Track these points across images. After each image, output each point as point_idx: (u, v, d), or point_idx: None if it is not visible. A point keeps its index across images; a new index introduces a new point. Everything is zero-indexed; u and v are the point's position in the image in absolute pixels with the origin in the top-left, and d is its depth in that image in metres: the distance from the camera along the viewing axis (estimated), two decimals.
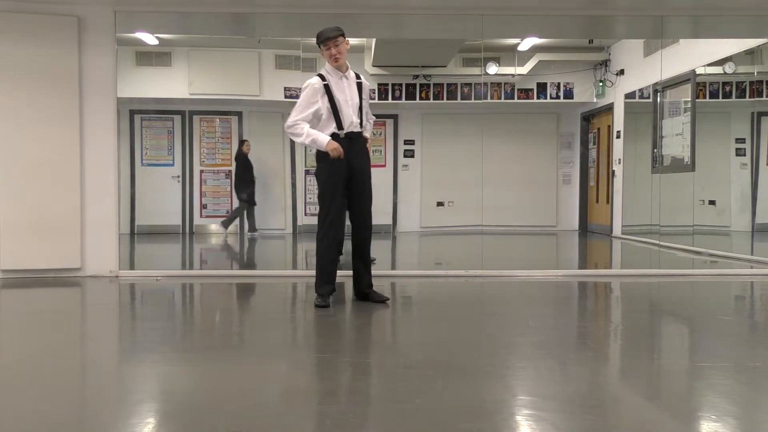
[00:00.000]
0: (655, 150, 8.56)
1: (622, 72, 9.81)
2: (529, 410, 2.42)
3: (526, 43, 9.48)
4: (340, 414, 2.39)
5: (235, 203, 10.95)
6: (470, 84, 10.58)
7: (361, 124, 4.42)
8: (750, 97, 7.67)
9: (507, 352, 3.32)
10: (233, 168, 10.68)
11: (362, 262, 4.53)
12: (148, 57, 10.00)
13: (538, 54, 10.13)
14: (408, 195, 11.20)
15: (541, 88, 10.70)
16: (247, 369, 3.02)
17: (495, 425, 2.25)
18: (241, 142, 10.63)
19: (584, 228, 11.17)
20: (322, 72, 4.39)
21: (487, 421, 2.27)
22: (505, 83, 10.65)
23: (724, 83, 7.97)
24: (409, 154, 11.23)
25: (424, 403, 2.46)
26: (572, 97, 10.71)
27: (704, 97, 7.99)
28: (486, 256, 6.74)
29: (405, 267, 7.40)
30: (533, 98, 10.73)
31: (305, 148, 10.58)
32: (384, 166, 11.09)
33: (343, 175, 4.32)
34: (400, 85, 10.54)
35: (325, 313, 4.24)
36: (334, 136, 4.29)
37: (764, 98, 7.51)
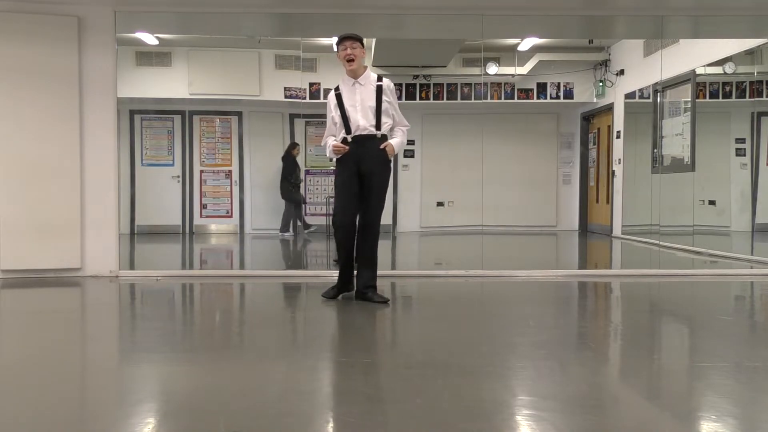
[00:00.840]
0: (655, 150, 8.56)
1: (622, 72, 9.81)
2: (529, 410, 2.42)
3: (526, 43, 9.48)
4: (340, 414, 2.39)
5: (236, 203, 10.96)
6: (470, 84, 10.58)
7: (378, 126, 4.44)
8: (750, 97, 7.67)
9: (507, 352, 3.32)
10: (280, 169, 10.48)
11: (361, 262, 4.54)
12: (148, 57, 10.00)
13: (538, 54, 10.13)
14: (408, 195, 11.20)
15: (541, 88, 10.70)
16: (247, 369, 3.02)
17: (495, 425, 2.25)
18: (293, 144, 10.52)
19: (584, 228, 11.17)
20: (339, 82, 4.60)
21: (487, 421, 2.27)
22: (505, 83, 10.65)
23: (724, 83, 7.97)
24: (409, 154, 11.23)
25: (424, 403, 2.46)
26: (572, 97, 10.72)
27: (704, 97, 7.99)
28: (486, 256, 6.74)
29: (405, 267, 7.40)
30: (533, 98, 10.74)
31: (305, 147, 10.67)
32: None
33: (350, 177, 4.46)
34: (400, 85, 10.53)
35: (324, 314, 4.23)
36: (344, 140, 4.48)
37: (764, 98, 7.51)
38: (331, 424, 2.29)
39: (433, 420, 2.29)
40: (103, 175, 5.91)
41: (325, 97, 4.73)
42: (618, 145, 9.77)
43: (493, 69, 10.07)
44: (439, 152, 11.06)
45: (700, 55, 7.74)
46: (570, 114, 11.32)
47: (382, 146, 4.45)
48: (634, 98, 9.45)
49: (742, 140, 7.91)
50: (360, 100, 4.45)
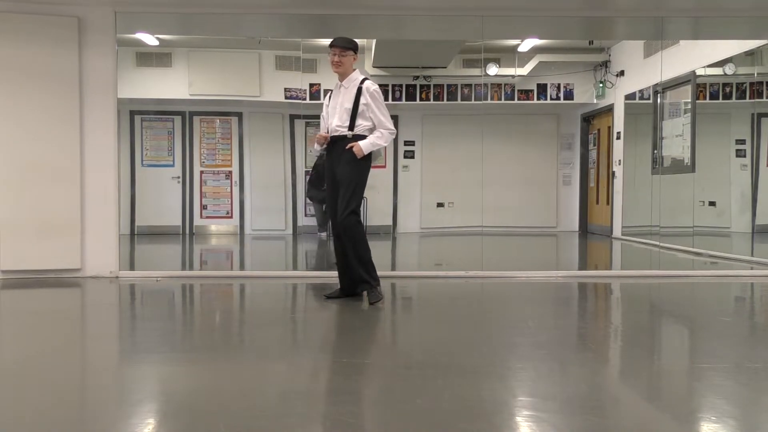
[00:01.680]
0: (656, 151, 8.56)
1: (622, 73, 9.81)
2: (529, 411, 2.42)
3: (526, 44, 9.48)
4: (340, 414, 2.39)
5: (236, 204, 10.97)
6: (470, 85, 10.59)
7: (351, 127, 4.48)
8: (750, 98, 7.67)
9: (507, 352, 3.32)
10: (310, 169, 10.40)
11: (348, 261, 4.54)
12: (148, 58, 10.00)
13: (538, 55, 10.13)
14: (408, 196, 11.20)
15: (542, 89, 10.70)
16: (247, 369, 3.02)
17: (495, 426, 2.25)
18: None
19: (584, 229, 11.17)
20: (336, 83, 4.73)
21: (487, 422, 2.27)
22: (505, 84, 10.65)
23: (724, 84, 7.97)
24: (409, 154, 11.23)
25: (424, 403, 2.46)
26: (572, 98, 10.71)
27: (704, 99, 7.99)
28: (486, 256, 6.74)
29: (405, 268, 7.40)
30: (533, 99, 10.73)
31: (305, 148, 10.68)
32: (384, 167, 11.09)
33: (331, 180, 4.61)
34: (400, 85, 10.54)
35: (324, 314, 4.23)
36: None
37: (764, 99, 7.51)
38: (331, 425, 2.29)
39: (433, 420, 2.29)
40: (104, 176, 5.91)
41: (325, 97, 4.85)
42: (618, 146, 9.77)
43: (493, 70, 10.07)
44: (440, 153, 11.06)
45: (701, 56, 7.75)
46: (570, 115, 11.32)
47: (348, 146, 4.45)
48: (635, 99, 9.45)
49: (742, 141, 7.91)
50: (340, 102, 4.55)
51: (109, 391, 2.79)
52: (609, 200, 10.16)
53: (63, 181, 5.79)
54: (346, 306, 4.50)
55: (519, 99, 10.72)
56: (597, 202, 10.84)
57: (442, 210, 11.15)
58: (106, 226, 5.94)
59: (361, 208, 4.80)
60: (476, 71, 10.25)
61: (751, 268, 6.63)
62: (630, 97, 9.57)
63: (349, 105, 4.49)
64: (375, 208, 10.60)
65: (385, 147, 4.72)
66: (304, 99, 9.98)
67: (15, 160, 5.69)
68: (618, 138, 9.77)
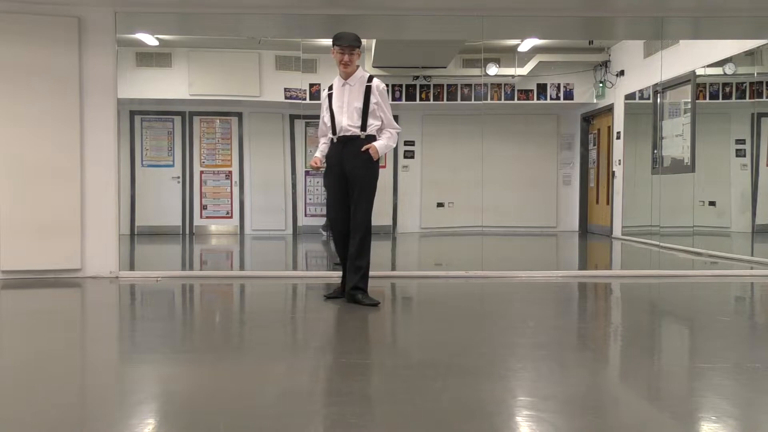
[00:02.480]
0: (655, 151, 8.56)
1: (622, 73, 9.81)
2: (529, 411, 2.42)
3: (526, 44, 9.48)
4: (339, 415, 2.39)
5: (236, 204, 10.98)
6: (470, 85, 10.59)
7: (363, 127, 4.41)
8: (750, 98, 7.68)
9: (507, 352, 3.32)
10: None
11: (349, 264, 4.51)
12: (148, 58, 10.01)
13: (538, 55, 10.13)
14: (408, 196, 11.20)
15: (541, 89, 10.70)
16: (247, 370, 3.02)
17: (495, 426, 2.25)
18: None
19: (584, 229, 11.17)
20: (335, 80, 4.60)
21: (487, 422, 2.27)
22: (505, 84, 10.65)
23: (724, 84, 7.97)
24: (409, 155, 11.23)
25: (424, 403, 2.46)
26: (572, 98, 10.71)
27: (704, 98, 7.99)
28: (486, 256, 6.74)
29: (405, 268, 7.40)
30: (533, 99, 10.73)
31: (305, 148, 10.68)
32: (384, 167, 11.09)
33: (335, 178, 4.52)
34: (400, 86, 10.54)
35: (324, 314, 4.23)
36: (331, 140, 4.57)
37: (764, 99, 7.51)
38: (331, 425, 2.29)
39: (433, 420, 2.29)
40: (104, 176, 5.91)
41: (322, 96, 4.73)
42: (618, 146, 9.77)
43: (493, 70, 10.07)
44: (439, 153, 11.06)
45: (700, 56, 7.75)
46: (570, 115, 11.32)
47: (364, 148, 4.40)
48: (634, 99, 9.45)
49: (742, 141, 7.91)
50: (347, 101, 4.44)
51: (109, 391, 2.79)
52: (609, 200, 10.16)
53: (63, 181, 5.79)
54: (346, 306, 4.50)
55: (519, 99, 10.72)
56: (597, 202, 10.84)
57: (442, 210, 11.15)
58: (106, 226, 5.95)
59: None
60: (476, 71, 10.25)
61: (751, 268, 6.63)
62: (630, 96, 9.57)
63: (360, 104, 4.41)
64: (375, 208, 10.55)
65: None
66: (304, 99, 9.98)
67: (15, 160, 5.69)
68: (618, 138, 9.77)
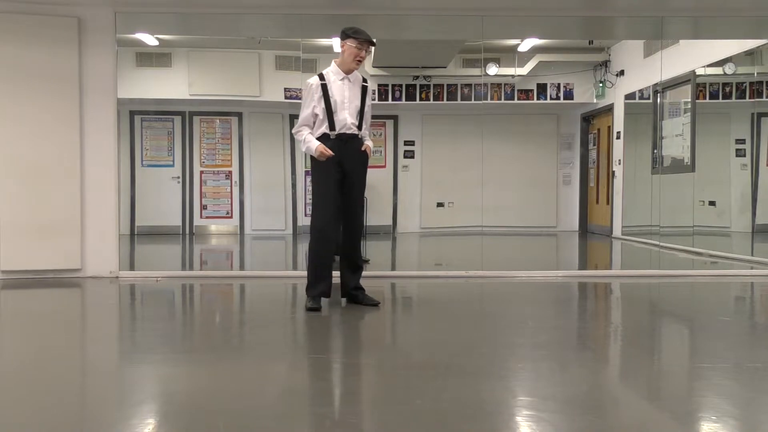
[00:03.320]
0: (655, 151, 8.56)
1: (622, 73, 9.81)
2: (529, 411, 2.42)
3: (526, 44, 9.48)
4: (339, 415, 2.39)
5: (236, 204, 10.98)
6: (470, 85, 10.59)
7: (360, 127, 4.36)
8: (750, 97, 7.67)
9: (507, 352, 3.32)
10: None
11: (348, 263, 4.47)
12: (148, 58, 10.00)
13: (538, 55, 10.13)
14: (408, 196, 11.20)
15: (541, 88, 10.70)
16: (247, 370, 3.02)
17: (495, 426, 2.25)
18: None
19: (584, 229, 11.17)
20: (324, 71, 4.39)
21: (487, 422, 2.27)
22: (505, 84, 10.65)
23: (724, 84, 7.97)
24: (409, 154, 11.23)
25: (424, 403, 2.46)
26: (572, 98, 10.71)
27: (704, 98, 7.99)
28: (486, 256, 6.74)
29: (405, 268, 7.40)
30: (533, 99, 10.73)
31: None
32: (384, 166, 11.10)
33: (333, 176, 4.29)
34: (400, 85, 10.54)
35: (324, 314, 4.23)
36: (324, 136, 4.28)
37: (764, 99, 7.51)
38: (331, 425, 2.29)
39: (433, 420, 2.29)
40: (103, 176, 5.91)
41: (316, 89, 4.31)
42: (618, 146, 9.77)
43: (493, 70, 10.07)
44: (439, 153, 11.06)
45: (700, 55, 7.75)
46: (570, 115, 11.32)
47: (363, 148, 4.36)
48: (634, 99, 9.45)
49: (742, 141, 7.91)
50: (348, 97, 4.31)
51: (109, 391, 2.79)
52: (609, 200, 10.16)
53: (63, 181, 5.79)
54: (345, 306, 4.50)
55: (519, 99, 10.72)
56: (597, 202, 10.84)
57: (442, 210, 11.15)
58: (106, 226, 5.94)
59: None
60: (476, 71, 10.25)
61: (751, 268, 6.63)
62: (630, 96, 9.57)
63: (358, 103, 4.35)
64: (375, 208, 10.60)
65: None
66: None
67: (15, 160, 5.68)
68: (618, 138, 9.77)
